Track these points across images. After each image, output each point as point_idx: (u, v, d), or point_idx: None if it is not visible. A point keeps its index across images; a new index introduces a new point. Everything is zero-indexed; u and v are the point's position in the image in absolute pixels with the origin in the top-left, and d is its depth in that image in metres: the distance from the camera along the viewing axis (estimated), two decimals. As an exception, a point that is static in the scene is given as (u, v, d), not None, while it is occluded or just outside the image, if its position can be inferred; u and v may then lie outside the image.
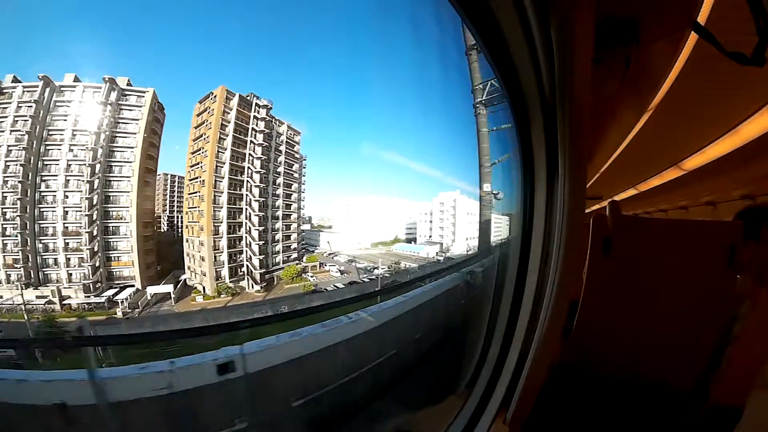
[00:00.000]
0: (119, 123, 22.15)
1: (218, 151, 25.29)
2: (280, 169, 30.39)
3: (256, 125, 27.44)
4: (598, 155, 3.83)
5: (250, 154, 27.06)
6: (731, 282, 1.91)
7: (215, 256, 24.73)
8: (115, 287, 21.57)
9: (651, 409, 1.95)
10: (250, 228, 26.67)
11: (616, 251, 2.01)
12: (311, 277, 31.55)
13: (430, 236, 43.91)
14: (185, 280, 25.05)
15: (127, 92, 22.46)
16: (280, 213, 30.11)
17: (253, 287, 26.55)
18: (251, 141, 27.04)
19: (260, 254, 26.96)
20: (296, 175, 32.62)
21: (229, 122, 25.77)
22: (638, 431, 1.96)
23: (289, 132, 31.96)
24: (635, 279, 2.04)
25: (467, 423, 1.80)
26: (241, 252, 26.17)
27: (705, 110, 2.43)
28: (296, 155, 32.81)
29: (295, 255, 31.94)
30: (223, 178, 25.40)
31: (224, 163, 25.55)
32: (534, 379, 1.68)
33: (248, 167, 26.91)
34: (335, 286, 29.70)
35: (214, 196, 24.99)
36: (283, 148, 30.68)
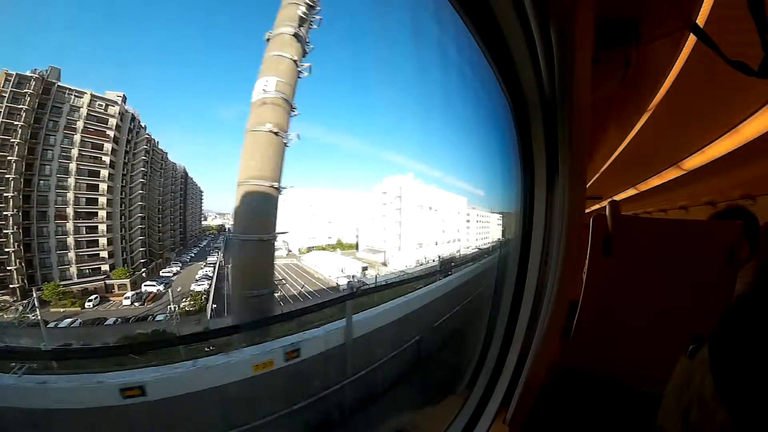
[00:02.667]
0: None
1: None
2: (74, 152, 23.01)
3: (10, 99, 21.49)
4: (598, 155, 3.83)
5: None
6: (731, 282, 1.91)
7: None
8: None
9: (651, 410, 1.95)
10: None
11: (616, 251, 2.01)
12: (91, 301, 22.63)
13: (372, 241, 33.06)
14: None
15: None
16: (70, 210, 23.03)
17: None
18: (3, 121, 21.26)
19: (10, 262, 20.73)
20: (106, 159, 24.32)
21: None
22: None
23: (98, 104, 24.24)
24: (635, 279, 2.04)
25: (467, 423, 1.80)
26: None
27: (705, 110, 2.43)
28: (106, 132, 24.67)
29: (106, 267, 23.97)
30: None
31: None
32: (534, 379, 1.68)
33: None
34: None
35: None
36: (80, 124, 23.36)
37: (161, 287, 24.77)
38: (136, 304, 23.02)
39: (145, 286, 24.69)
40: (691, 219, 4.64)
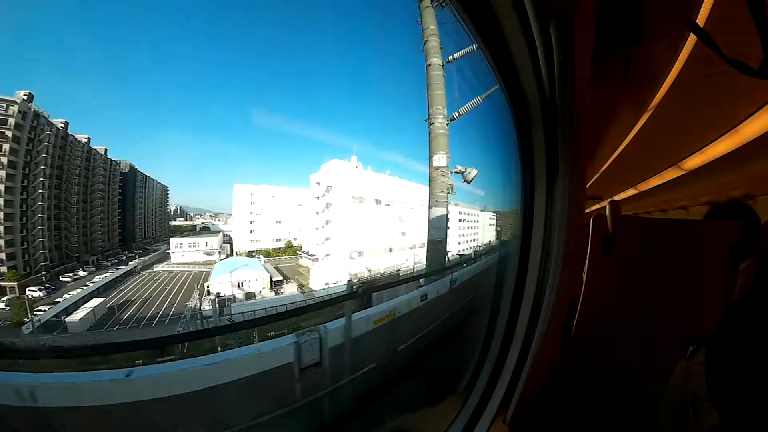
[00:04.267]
0: None
1: None
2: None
3: None
4: (598, 155, 3.83)
5: None
6: (731, 282, 1.91)
7: None
8: None
9: (650, 410, 1.95)
10: None
11: (616, 251, 2.01)
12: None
13: (309, 245, 25.05)
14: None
15: None
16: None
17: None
18: None
19: None
20: (4, 159, 23.12)
21: None
22: None
23: (-1, 106, 20.59)
24: (635, 279, 2.04)
25: (467, 423, 1.80)
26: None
27: (705, 110, 2.43)
28: (5, 133, 23.83)
29: (4, 269, 22.79)
30: None
31: None
32: (534, 379, 1.68)
33: None
34: None
35: None
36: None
37: (42, 293, 24.00)
38: (7, 308, 22.73)
39: (28, 290, 24.06)
40: (691, 219, 4.64)
